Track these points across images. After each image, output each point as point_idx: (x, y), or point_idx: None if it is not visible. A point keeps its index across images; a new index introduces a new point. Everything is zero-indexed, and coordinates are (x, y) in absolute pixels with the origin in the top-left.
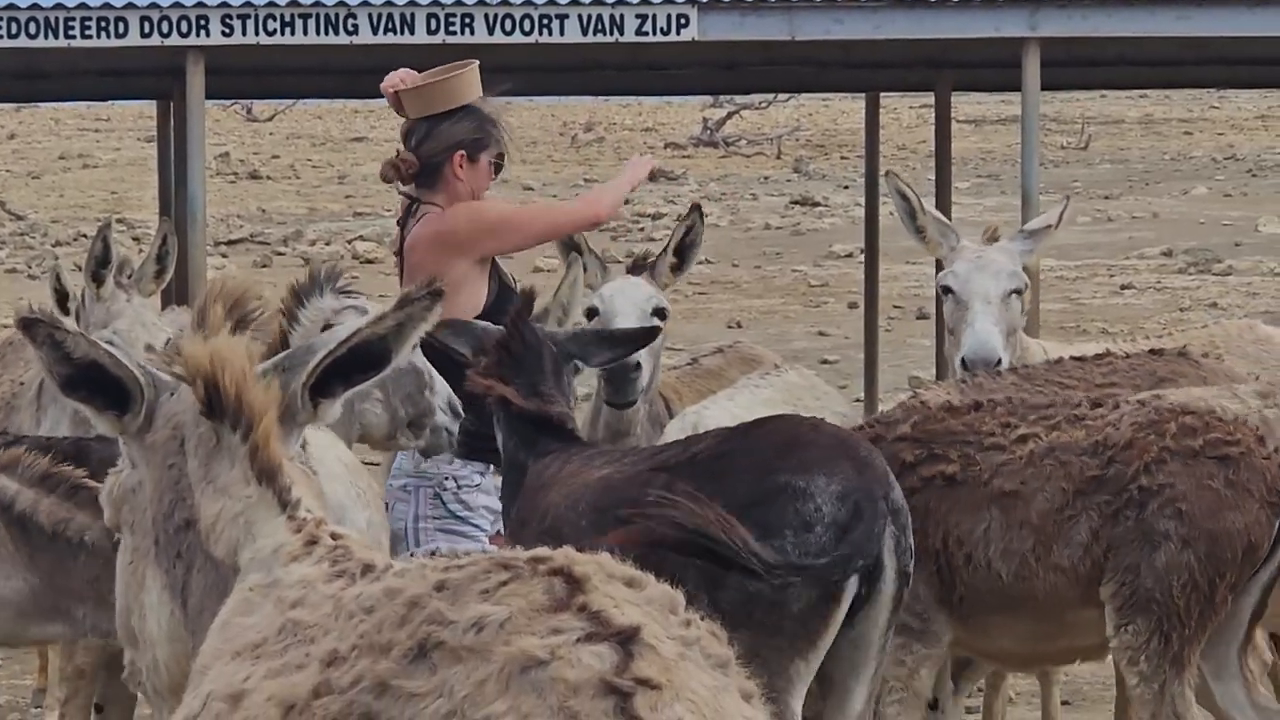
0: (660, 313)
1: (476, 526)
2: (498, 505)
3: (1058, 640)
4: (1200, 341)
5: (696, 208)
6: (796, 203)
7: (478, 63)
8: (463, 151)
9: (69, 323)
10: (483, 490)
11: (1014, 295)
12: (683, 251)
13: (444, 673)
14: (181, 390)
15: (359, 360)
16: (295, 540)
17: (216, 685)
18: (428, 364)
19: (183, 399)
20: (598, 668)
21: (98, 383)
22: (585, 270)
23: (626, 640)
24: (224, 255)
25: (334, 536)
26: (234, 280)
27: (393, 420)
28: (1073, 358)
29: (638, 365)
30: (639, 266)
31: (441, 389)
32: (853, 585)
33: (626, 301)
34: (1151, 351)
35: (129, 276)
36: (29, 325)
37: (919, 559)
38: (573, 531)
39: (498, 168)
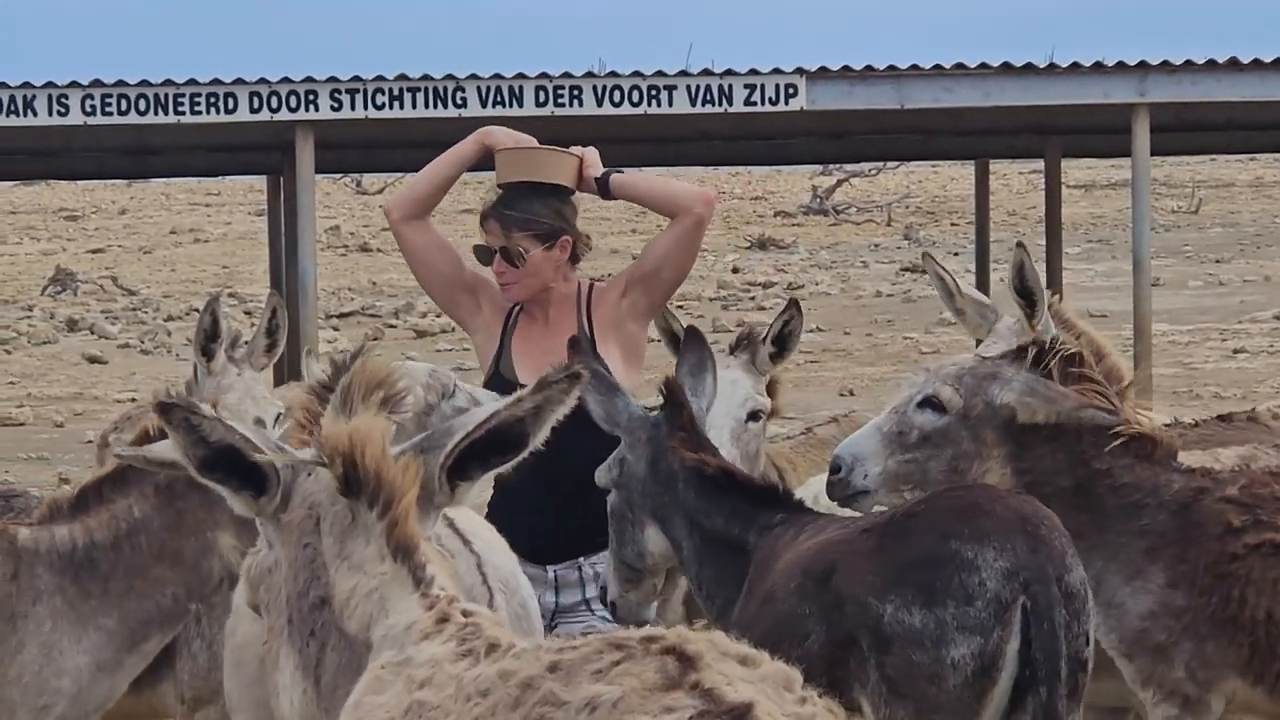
0: (755, 415)
1: None
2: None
3: None
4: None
5: (794, 303)
6: (907, 270)
7: (553, 151)
8: None
9: (205, 407)
10: None
11: None
12: (781, 341)
13: None
14: (319, 470)
15: (496, 443)
16: (428, 618)
17: None
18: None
19: (319, 479)
20: None
21: (233, 464)
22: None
23: (739, 718)
24: (335, 329)
25: (465, 614)
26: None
27: None
28: None
29: None
30: (741, 345)
31: None
32: (1011, 666)
33: (720, 410)
34: (1220, 418)
35: (241, 351)
36: (166, 410)
37: (1226, 627)
38: (784, 595)
39: (476, 254)
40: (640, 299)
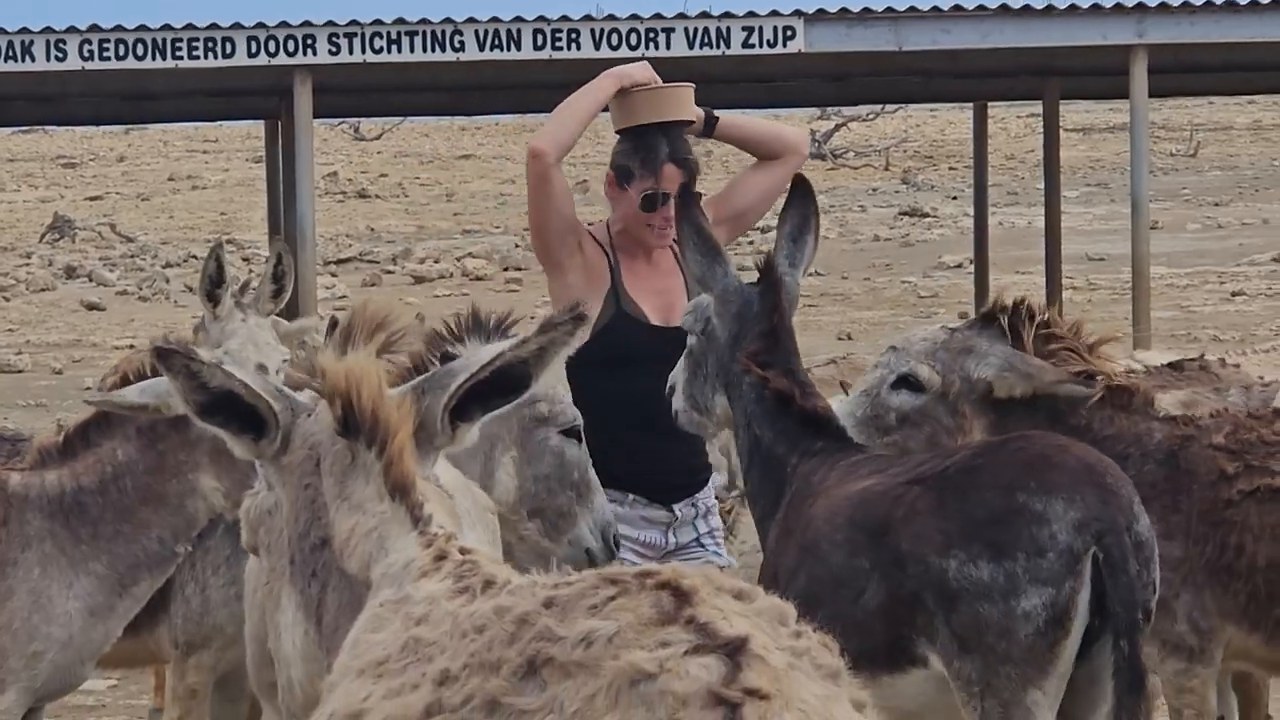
0: None
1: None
2: (635, 533)
3: None
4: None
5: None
6: (905, 214)
7: (684, 87)
8: (612, 173)
9: (204, 353)
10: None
11: None
12: None
13: (554, 689)
14: (319, 411)
15: (499, 385)
16: (425, 555)
17: (340, 704)
18: (592, 478)
19: (319, 420)
20: (706, 679)
21: (233, 409)
22: None
23: (734, 651)
24: (333, 274)
25: (463, 551)
26: (377, 302)
27: (519, 494)
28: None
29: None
30: None
31: (600, 510)
32: (1083, 616)
33: None
34: (1171, 365)
35: (248, 297)
36: (165, 355)
37: (1221, 576)
38: (829, 546)
39: (648, 204)
40: (723, 236)
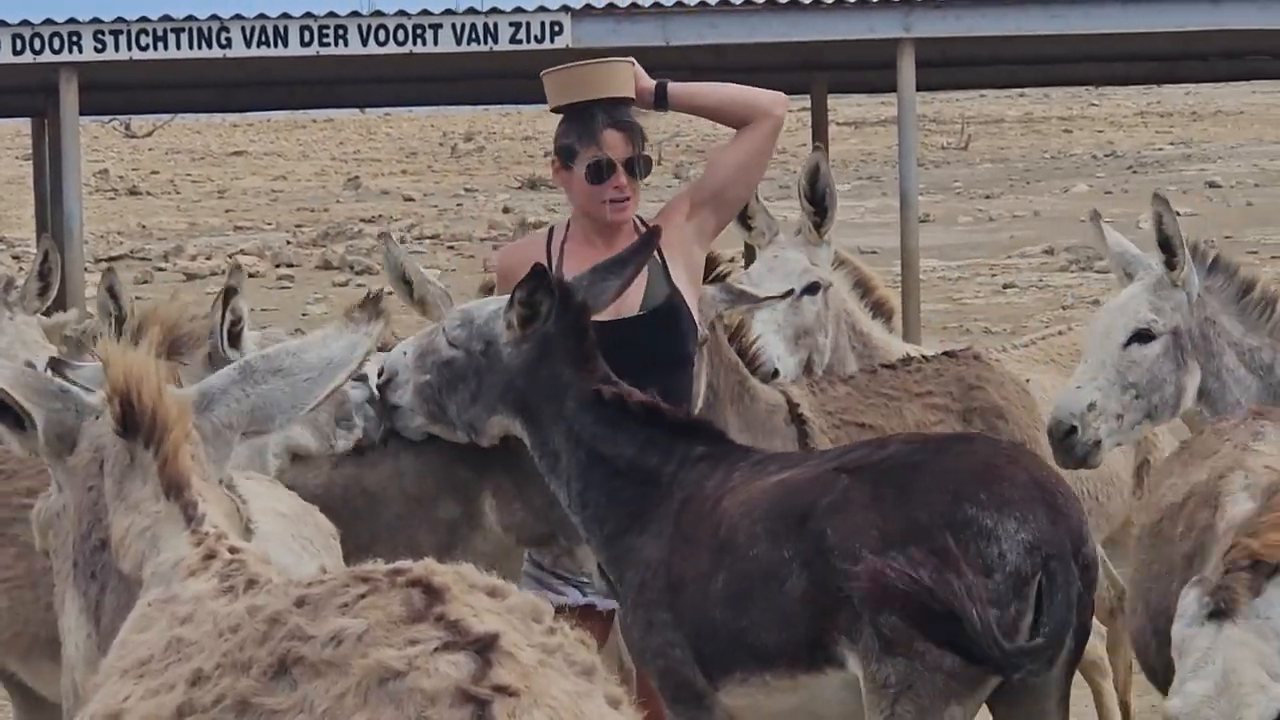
0: (812, 289)
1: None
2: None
3: None
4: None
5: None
6: None
7: (621, 62)
8: (555, 158)
9: None
10: None
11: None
12: (817, 200)
13: (304, 688)
14: (105, 413)
15: None
16: (195, 554)
17: (99, 705)
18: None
19: (105, 422)
20: (455, 676)
21: (5, 407)
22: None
23: (484, 648)
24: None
25: (232, 551)
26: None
27: (320, 432)
28: (883, 365)
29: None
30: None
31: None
32: (1023, 637)
33: (770, 287)
34: (946, 354)
35: (14, 295)
36: None
37: None
38: (748, 540)
39: (594, 174)
40: (708, 220)
